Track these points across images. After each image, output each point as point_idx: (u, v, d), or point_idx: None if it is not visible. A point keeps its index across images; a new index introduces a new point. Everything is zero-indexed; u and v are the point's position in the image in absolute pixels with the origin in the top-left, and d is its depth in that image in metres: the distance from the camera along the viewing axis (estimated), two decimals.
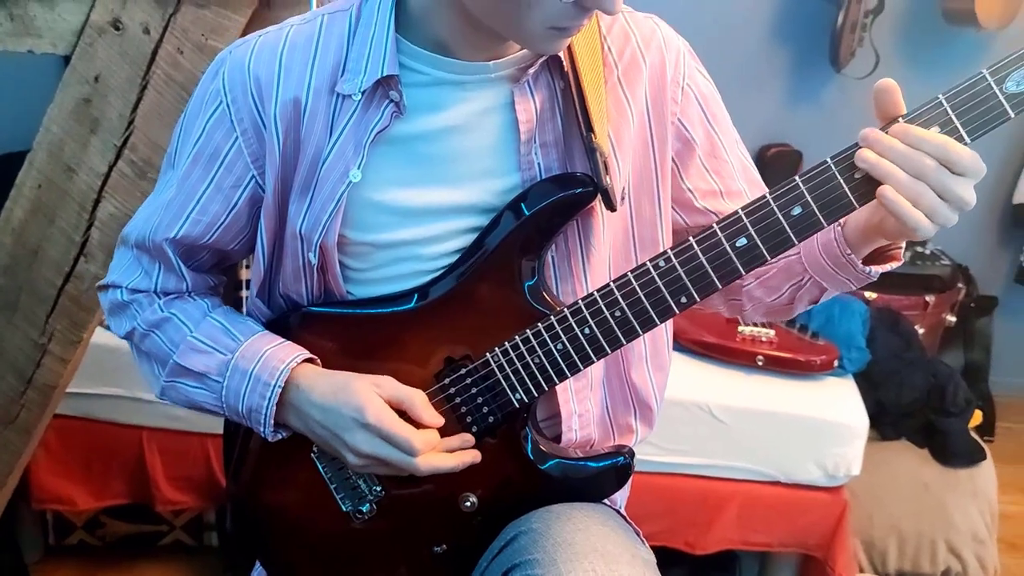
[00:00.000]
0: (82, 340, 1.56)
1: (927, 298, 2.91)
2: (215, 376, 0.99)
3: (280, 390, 0.96)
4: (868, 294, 2.81)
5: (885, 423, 2.45)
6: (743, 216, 0.87)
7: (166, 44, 1.36)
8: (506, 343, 0.96)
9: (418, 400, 0.94)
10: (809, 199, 0.86)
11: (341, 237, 0.97)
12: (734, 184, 1.06)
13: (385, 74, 0.91)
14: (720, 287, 0.90)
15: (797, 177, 0.86)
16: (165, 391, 1.04)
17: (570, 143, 0.96)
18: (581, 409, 1.04)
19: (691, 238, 0.89)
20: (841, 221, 0.93)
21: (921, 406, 2.47)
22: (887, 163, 0.83)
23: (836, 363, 2.17)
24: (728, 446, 2.12)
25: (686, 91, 1.03)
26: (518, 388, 0.97)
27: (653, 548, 1.07)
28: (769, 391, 2.13)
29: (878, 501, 2.35)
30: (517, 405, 0.97)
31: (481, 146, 0.95)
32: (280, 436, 0.99)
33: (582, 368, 0.96)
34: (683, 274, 0.89)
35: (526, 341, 0.95)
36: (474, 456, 0.96)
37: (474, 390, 0.98)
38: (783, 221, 0.87)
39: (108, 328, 2.21)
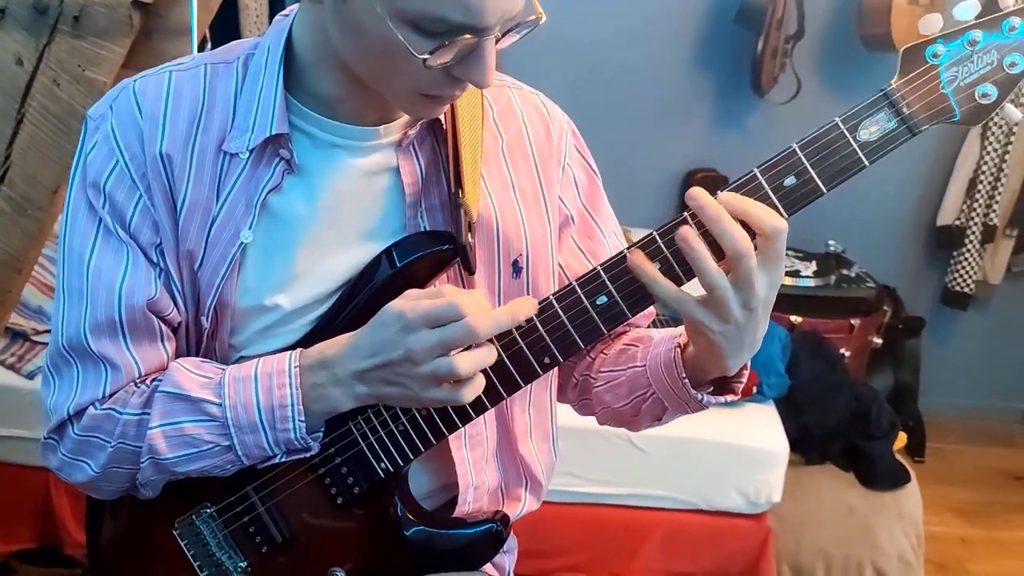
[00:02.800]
0: None
1: (852, 321, 2.93)
2: (213, 398, 0.87)
3: (299, 370, 0.86)
4: (793, 318, 2.83)
5: (810, 447, 2.46)
6: (602, 273, 0.86)
7: (41, 76, 1.32)
8: (368, 410, 0.92)
9: (446, 289, 0.85)
10: (668, 254, 0.84)
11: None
12: None
13: (274, 132, 0.87)
14: (583, 346, 0.88)
15: (654, 232, 0.85)
16: (154, 446, 0.88)
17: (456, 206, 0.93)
18: (478, 481, 1.01)
19: (551, 297, 0.87)
20: (680, 343, 0.91)
21: (845, 430, 2.48)
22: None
23: (755, 389, 2.18)
24: (649, 475, 2.11)
25: (566, 170, 1.03)
26: (383, 458, 0.93)
27: None
28: (689, 418, 2.06)
29: (805, 525, 2.35)
30: (383, 475, 0.93)
31: (366, 210, 0.93)
32: (315, 446, 0.89)
33: (447, 435, 0.92)
34: (545, 334, 0.87)
35: (389, 407, 0.91)
36: (531, 305, 0.87)
37: (338, 460, 0.93)
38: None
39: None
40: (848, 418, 2.49)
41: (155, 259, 0.90)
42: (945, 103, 0.82)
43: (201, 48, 1.57)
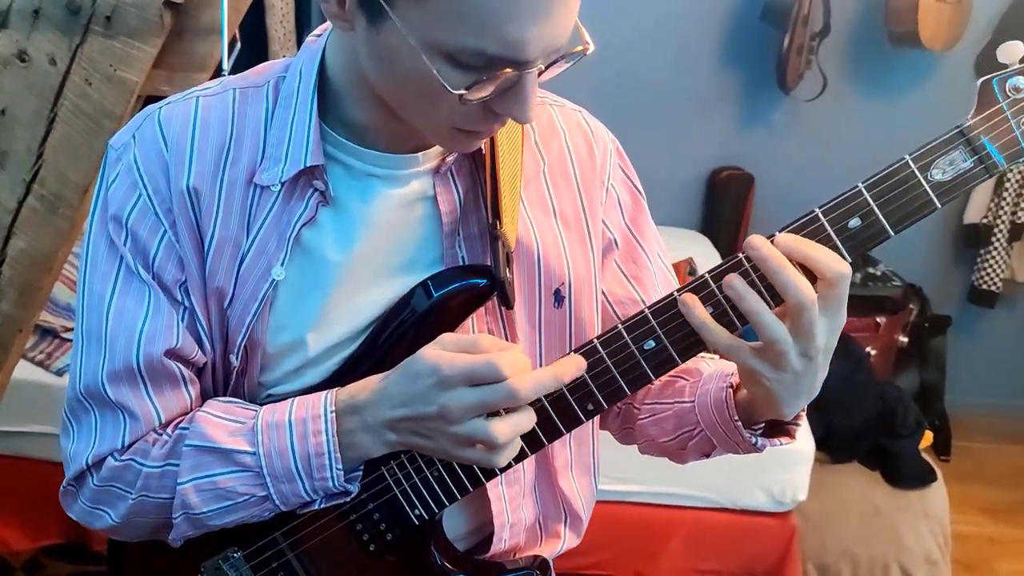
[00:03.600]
0: None
1: (878, 319, 2.92)
2: (246, 447, 0.84)
3: (335, 415, 0.83)
4: None
5: (836, 447, 2.45)
6: (650, 316, 0.81)
7: (73, 75, 1.33)
8: (402, 454, 0.87)
9: (483, 341, 0.80)
10: (721, 298, 0.79)
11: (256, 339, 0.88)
12: (656, 296, 0.98)
13: (309, 164, 0.83)
14: (628, 392, 0.83)
15: (707, 274, 0.79)
16: (186, 501, 0.84)
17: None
18: (515, 519, 0.97)
19: (595, 341, 0.83)
20: (732, 382, 0.88)
21: (871, 429, 2.47)
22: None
23: None
24: (673, 473, 2.00)
25: (610, 192, 0.98)
26: (417, 504, 0.88)
27: None
28: None
29: (830, 525, 2.34)
30: (417, 522, 0.89)
31: (403, 241, 0.89)
32: (355, 488, 0.86)
33: (485, 482, 0.88)
34: (589, 379, 0.83)
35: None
36: (578, 366, 0.82)
37: (370, 506, 0.89)
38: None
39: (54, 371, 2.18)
40: (874, 417, 2.47)
41: (179, 298, 0.86)
42: None
43: (231, 48, 1.58)
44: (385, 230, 0.88)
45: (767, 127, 3.24)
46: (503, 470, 0.87)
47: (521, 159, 0.91)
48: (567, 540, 1.03)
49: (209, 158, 0.85)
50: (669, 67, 3.16)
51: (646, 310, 0.81)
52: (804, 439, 2.13)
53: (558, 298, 0.93)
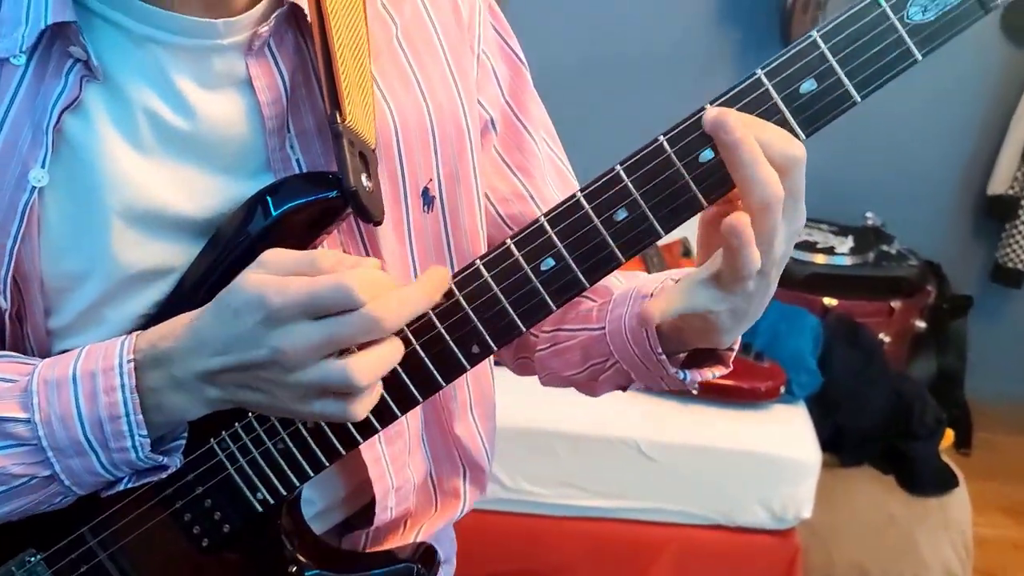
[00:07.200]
0: None
1: (892, 303, 2.72)
2: (18, 412, 0.68)
3: (132, 366, 0.66)
4: (828, 300, 2.61)
5: (845, 449, 2.30)
6: (547, 226, 0.67)
7: None
8: (237, 424, 0.72)
9: (323, 259, 0.65)
10: (638, 197, 0.65)
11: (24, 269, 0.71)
12: (547, 190, 0.86)
13: (52, 21, 0.65)
14: (523, 329, 0.69)
15: (618, 166, 0.66)
16: None
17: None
18: (400, 481, 0.83)
19: (478, 261, 0.68)
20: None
21: (885, 429, 2.31)
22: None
23: (783, 389, 1.98)
24: (661, 486, 1.94)
25: (482, 60, 0.83)
26: (259, 486, 0.74)
27: None
28: (706, 423, 1.95)
29: (839, 537, 2.20)
30: (260, 508, 0.75)
31: (213, 140, 0.71)
32: (174, 461, 0.71)
33: (344, 454, 0.73)
34: (471, 313, 0.68)
35: (264, 419, 0.71)
36: (442, 279, 0.68)
37: (199, 490, 0.75)
38: (603, 231, 0.66)
39: None
40: (888, 415, 2.31)
41: None
42: None
43: None
44: (182, 121, 0.70)
45: None
46: (367, 436, 0.72)
47: (365, 23, 0.75)
48: (468, 497, 0.91)
49: None
50: (665, 23, 2.97)
51: (542, 218, 0.67)
52: (810, 448, 1.96)
53: (427, 199, 0.79)
